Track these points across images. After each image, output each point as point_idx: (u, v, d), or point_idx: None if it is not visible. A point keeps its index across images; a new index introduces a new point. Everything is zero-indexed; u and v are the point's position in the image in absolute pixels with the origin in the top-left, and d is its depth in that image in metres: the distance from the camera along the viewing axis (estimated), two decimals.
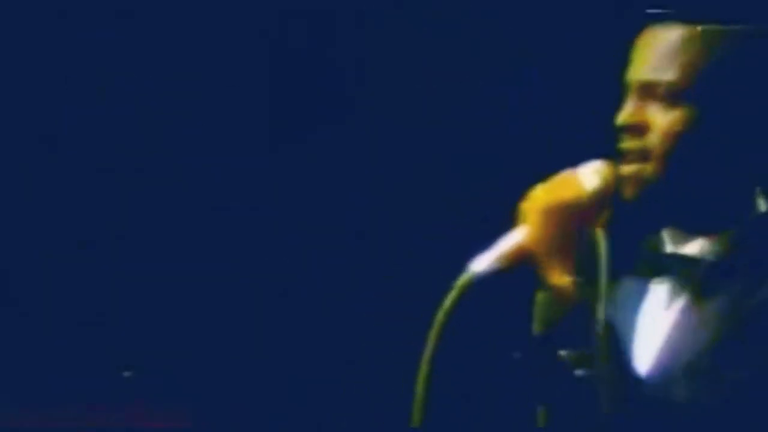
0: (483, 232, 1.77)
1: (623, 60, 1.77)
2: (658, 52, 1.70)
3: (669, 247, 1.78)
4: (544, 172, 1.75)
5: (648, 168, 1.71)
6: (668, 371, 1.70)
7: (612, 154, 1.74)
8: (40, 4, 3.79)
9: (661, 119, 1.69)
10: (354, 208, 3.82)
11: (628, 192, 1.72)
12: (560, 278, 1.68)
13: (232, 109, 3.87)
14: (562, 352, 1.67)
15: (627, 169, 1.72)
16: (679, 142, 1.70)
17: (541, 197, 1.72)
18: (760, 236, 1.72)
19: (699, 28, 1.68)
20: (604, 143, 1.78)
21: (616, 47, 1.79)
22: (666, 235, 1.78)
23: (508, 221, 1.76)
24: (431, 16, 3.77)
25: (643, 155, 1.71)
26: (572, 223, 1.70)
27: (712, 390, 1.64)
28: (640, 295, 1.81)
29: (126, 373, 3.78)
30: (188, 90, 3.86)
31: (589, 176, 1.73)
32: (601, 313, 1.65)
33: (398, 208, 3.81)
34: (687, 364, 1.68)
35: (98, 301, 3.85)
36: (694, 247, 1.75)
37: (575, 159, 1.75)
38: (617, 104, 1.76)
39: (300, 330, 3.82)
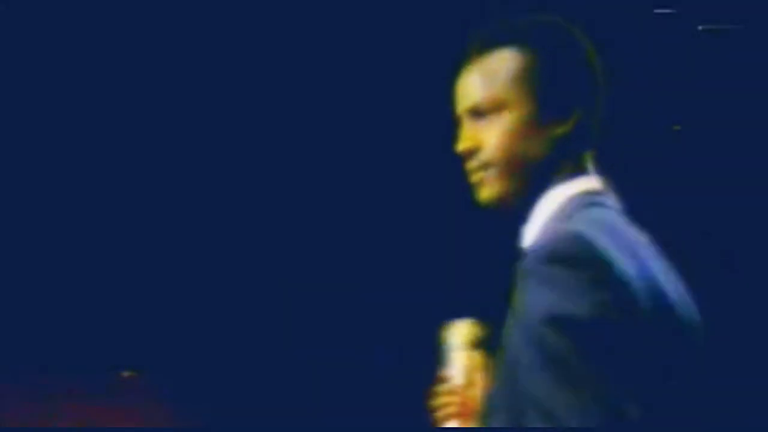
0: None
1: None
2: (479, 76, 1.81)
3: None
4: None
5: (490, 174, 1.80)
6: None
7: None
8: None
9: (488, 135, 1.80)
10: None
11: (483, 195, 1.81)
12: None
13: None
14: None
15: (474, 178, 1.82)
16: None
17: None
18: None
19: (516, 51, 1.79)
20: None
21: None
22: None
23: None
24: None
25: (483, 168, 1.81)
26: None
27: None
28: None
29: (126, 373, 3.79)
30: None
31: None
32: None
33: None
34: None
35: (98, 301, 3.86)
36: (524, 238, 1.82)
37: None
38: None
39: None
